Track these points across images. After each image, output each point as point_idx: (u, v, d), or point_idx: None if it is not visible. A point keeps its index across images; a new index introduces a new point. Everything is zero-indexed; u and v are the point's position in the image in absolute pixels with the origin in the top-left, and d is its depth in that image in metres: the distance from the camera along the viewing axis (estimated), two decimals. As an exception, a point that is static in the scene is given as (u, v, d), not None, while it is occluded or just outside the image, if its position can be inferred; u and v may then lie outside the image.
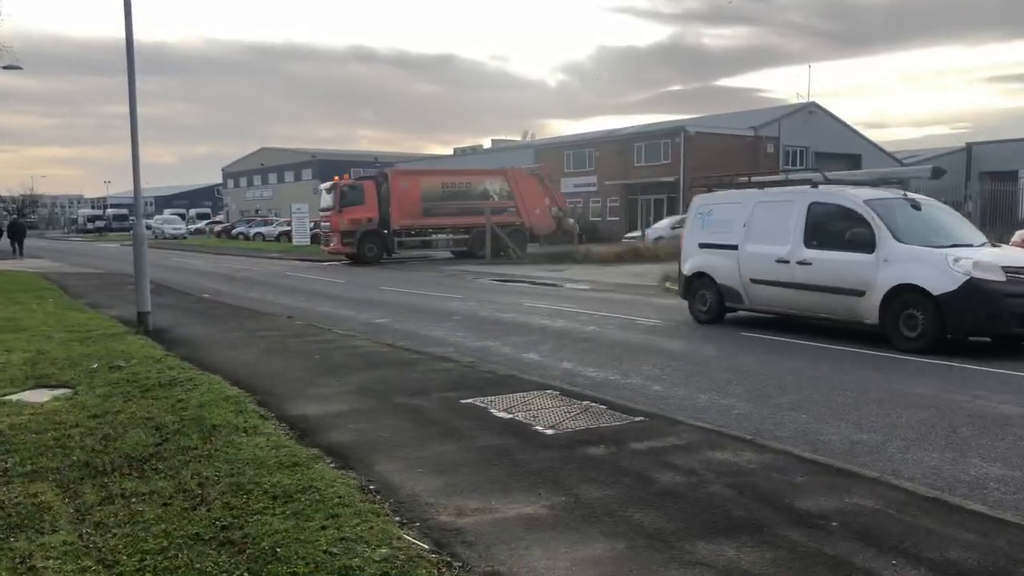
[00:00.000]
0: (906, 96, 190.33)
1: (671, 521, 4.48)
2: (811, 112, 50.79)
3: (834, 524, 4.44)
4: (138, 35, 12.27)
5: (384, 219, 30.65)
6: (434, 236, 31.79)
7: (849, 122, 53.32)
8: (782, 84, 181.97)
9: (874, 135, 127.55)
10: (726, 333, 11.90)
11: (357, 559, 3.88)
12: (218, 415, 6.50)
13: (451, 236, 31.87)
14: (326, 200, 31.36)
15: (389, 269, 27.69)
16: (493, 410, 6.95)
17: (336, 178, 31.74)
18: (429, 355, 9.86)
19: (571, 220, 34.63)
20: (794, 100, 60.71)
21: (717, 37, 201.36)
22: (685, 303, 13.58)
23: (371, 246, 30.69)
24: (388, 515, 4.49)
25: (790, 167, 48.29)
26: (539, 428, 6.37)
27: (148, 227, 60.54)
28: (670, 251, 29.75)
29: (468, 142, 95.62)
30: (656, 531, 4.34)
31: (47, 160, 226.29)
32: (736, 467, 5.42)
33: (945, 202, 13.00)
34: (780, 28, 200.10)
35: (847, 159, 51.67)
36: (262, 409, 6.87)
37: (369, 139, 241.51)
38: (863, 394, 7.89)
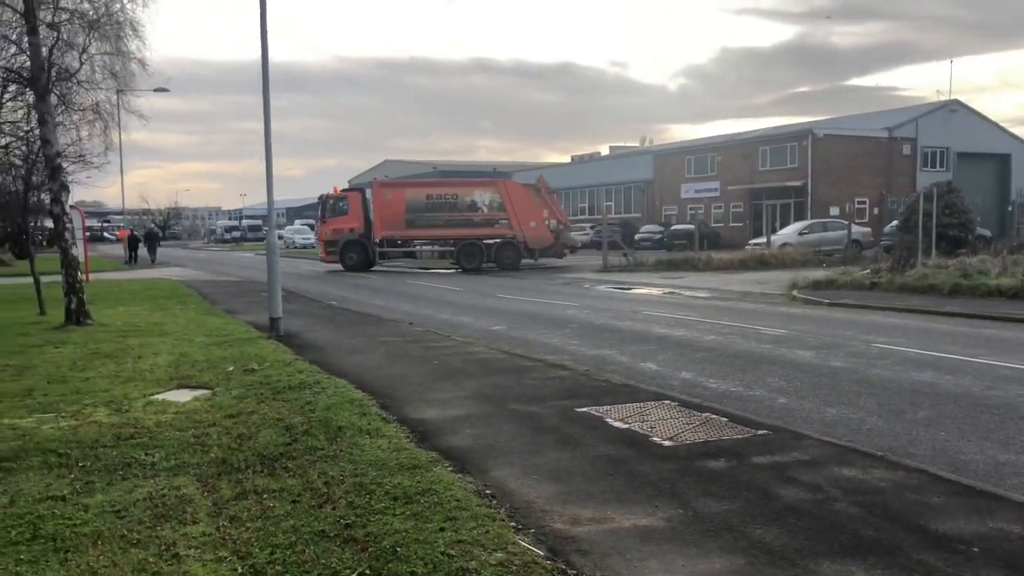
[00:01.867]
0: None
1: (794, 538, 4.34)
2: (953, 110, 47.83)
3: (975, 550, 4.18)
4: (271, 56, 13.00)
5: (368, 230, 31.94)
6: (418, 247, 32.31)
7: (996, 119, 49.85)
8: (920, 82, 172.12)
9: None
10: (858, 344, 11.39)
11: (474, 562, 3.96)
12: (343, 417, 6.78)
13: (436, 248, 32.29)
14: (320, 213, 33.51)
15: (506, 277, 28.05)
16: (609, 419, 6.93)
17: (335, 189, 33.31)
18: (544, 362, 9.93)
19: (573, 234, 34.08)
20: (934, 98, 57.43)
21: (847, 35, 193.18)
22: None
23: (352, 255, 32.11)
24: (504, 520, 4.56)
25: (929, 169, 45.72)
26: (656, 439, 6.31)
27: (280, 237, 63.64)
28: (797, 258, 28.87)
29: (586, 150, 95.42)
30: (778, 548, 4.21)
31: (189, 175, 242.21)
32: (865, 485, 5.19)
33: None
34: (917, 21, 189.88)
35: (994, 159, 48.39)
36: (384, 412, 7.12)
37: (488, 149, 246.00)
38: (1012, 410, 7.37)
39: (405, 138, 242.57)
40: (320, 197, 33.73)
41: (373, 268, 32.50)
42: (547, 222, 31.75)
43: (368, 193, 32.86)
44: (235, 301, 19.03)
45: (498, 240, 31.65)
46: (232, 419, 6.87)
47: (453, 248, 31.85)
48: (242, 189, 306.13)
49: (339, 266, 32.37)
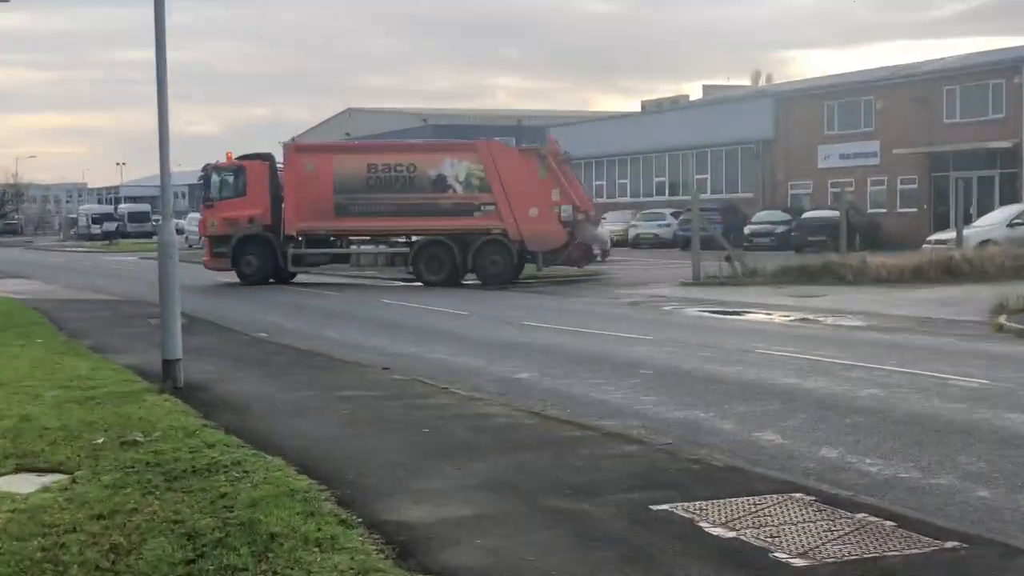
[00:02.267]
0: None
1: None
2: None
3: None
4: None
5: (278, 220, 32.04)
6: (353, 248, 32.64)
7: None
8: None
9: None
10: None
11: None
12: (279, 518, 6.77)
13: (383, 249, 32.67)
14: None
15: (535, 296, 28.12)
16: (705, 524, 6.91)
17: (229, 156, 33.55)
18: (599, 431, 9.94)
19: (600, 230, 33.40)
20: None
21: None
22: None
23: (250, 259, 32.06)
24: None
25: None
26: (781, 555, 6.27)
27: (179, 230, 64.27)
28: (1006, 264, 28.61)
29: (665, 91, 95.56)
30: None
31: (37, 133, 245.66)
32: (1124, 633, 5.11)
33: None
34: None
35: None
36: (344, 511, 7.11)
37: (510, 90, 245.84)
38: None
39: (380, 73, 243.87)
40: (204, 169, 33.88)
41: (293, 279, 32.67)
42: (557, 209, 31.26)
43: (279, 163, 33.09)
44: (108, 332, 19.18)
45: (480, 237, 31.34)
46: (102, 522, 6.88)
47: (408, 249, 32.00)
48: (120, 156, 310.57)
49: (232, 276, 32.60)
